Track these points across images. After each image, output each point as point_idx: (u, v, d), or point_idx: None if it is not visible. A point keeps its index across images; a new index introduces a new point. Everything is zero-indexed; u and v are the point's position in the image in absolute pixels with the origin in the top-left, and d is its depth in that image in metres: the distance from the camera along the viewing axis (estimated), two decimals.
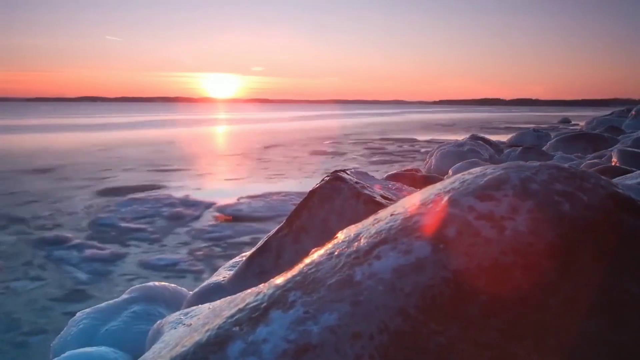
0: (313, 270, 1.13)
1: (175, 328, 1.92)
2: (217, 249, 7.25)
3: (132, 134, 30.00)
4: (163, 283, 4.72)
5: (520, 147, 16.47)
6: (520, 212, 1.09)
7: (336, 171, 2.91)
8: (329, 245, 1.30)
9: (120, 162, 16.37)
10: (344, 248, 1.17)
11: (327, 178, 2.64)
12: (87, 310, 4.42)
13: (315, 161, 17.29)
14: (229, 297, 2.12)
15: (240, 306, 1.12)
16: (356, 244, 1.16)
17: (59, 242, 7.48)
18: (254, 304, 1.09)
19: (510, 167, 1.23)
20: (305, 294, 1.04)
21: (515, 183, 1.15)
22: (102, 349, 3.76)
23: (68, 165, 16.30)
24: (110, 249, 7.14)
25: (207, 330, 1.11)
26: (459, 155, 15.50)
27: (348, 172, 2.91)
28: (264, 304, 1.06)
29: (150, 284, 4.69)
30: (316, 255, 1.24)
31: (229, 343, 1.00)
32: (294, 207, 2.83)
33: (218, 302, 2.05)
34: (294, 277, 1.13)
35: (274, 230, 2.77)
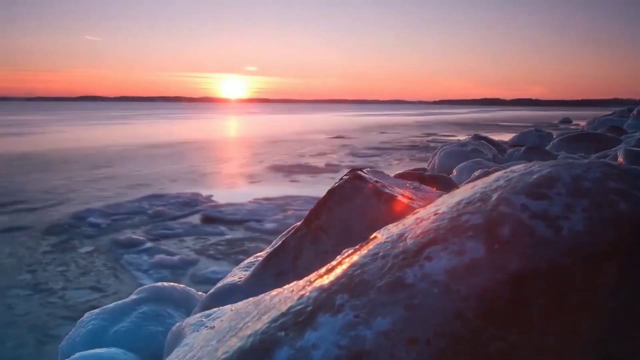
0: (359, 272, 1.08)
1: (198, 330, 1.87)
2: None
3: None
4: (172, 283, 4.66)
5: (524, 147, 16.44)
6: (575, 211, 1.04)
7: (353, 169, 2.86)
8: (369, 246, 1.25)
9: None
10: (389, 249, 1.13)
11: (345, 177, 2.58)
12: (96, 311, 4.37)
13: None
14: (251, 298, 2.08)
15: (283, 309, 1.07)
16: (402, 244, 1.11)
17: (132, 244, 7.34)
18: (298, 307, 1.04)
19: (559, 165, 1.18)
20: (354, 297, 0.99)
21: (567, 181, 1.10)
22: (112, 350, 3.71)
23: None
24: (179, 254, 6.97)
25: (249, 336, 1.06)
26: (462, 155, 15.44)
27: (365, 170, 2.86)
28: (310, 308, 1.01)
29: (159, 284, 4.63)
30: (357, 256, 1.19)
31: (275, 349, 0.95)
32: None
33: (240, 303, 2.00)
34: (338, 279, 1.08)
35: (291, 230, 2.72)
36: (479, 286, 0.94)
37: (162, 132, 33.48)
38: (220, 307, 1.98)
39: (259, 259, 3.07)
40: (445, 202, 1.26)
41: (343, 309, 0.97)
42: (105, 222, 8.26)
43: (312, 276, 1.50)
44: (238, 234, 7.62)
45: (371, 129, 37.86)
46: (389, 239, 1.19)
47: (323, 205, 2.56)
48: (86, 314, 4.39)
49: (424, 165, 14.37)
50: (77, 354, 3.63)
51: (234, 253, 6.79)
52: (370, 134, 31.70)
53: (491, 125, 44.82)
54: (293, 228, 3.38)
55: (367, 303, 0.97)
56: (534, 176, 1.15)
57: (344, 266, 1.15)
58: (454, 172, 12.20)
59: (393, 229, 1.29)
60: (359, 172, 2.62)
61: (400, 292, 0.96)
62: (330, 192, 2.53)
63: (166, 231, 7.65)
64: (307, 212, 2.65)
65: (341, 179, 2.64)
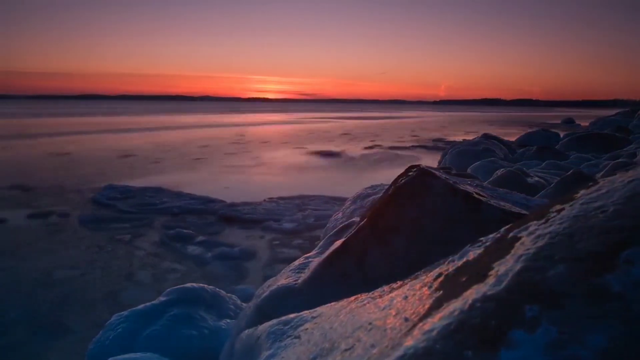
0: (538, 277, 0.92)
1: (281, 340, 1.71)
2: None
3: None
4: (201, 284, 4.49)
5: (535, 147, 16.30)
6: None
7: (412, 166, 2.70)
8: (518, 246, 1.09)
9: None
10: (557, 250, 0.97)
11: (412, 174, 2.43)
12: (124, 313, 4.19)
13: None
14: (334, 303, 1.91)
15: (441, 323, 0.91)
16: (580, 246, 0.95)
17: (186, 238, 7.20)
18: (473, 321, 0.88)
19: None
20: (548, 309, 0.84)
21: None
22: (147, 355, 3.55)
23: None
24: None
25: (403, 352, 0.90)
26: (473, 154, 15.32)
27: (424, 168, 2.70)
28: (494, 322, 0.85)
29: (188, 285, 4.46)
30: (513, 259, 1.03)
31: None
32: None
33: (322, 310, 1.84)
34: (513, 285, 0.93)
35: (352, 231, 2.56)
36: None
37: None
38: (299, 315, 1.81)
39: (310, 260, 2.91)
40: (600, 199, 1.10)
41: (539, 323, 0.82)
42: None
43: (434, 280, 1.34)
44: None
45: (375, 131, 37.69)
46: (546, 239, 1.04)
47: (388, 203, 2.40)
48: (114, 316, 4.20)
49: (431, 164, 14.21)
50: (111, 359, 3.46)
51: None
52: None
53: (493, 125, 44.70)
54: (343, 226, 3.22)
55: (569, 316, 0.81)
56: None
57: (511, 271, 0.99)
58: (468, 170, 12.05)
59: (537, 228, 1.13)
60: (426, 168, 2.46)
61: (609, 303, 0.81)
62: (397, 190, 2.37)
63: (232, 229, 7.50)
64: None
65: (406, 175, 2.48)
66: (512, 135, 24.64)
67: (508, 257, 1.08)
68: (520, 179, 7.34)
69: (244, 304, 4.40)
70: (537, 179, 7.85)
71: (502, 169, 8.19)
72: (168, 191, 10.39)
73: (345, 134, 31.45)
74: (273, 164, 16.21)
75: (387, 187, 7.54)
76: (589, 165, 12.23)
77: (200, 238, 7.19)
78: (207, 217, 8.42)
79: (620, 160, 11.30)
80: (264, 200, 9.56)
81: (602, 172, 9.78)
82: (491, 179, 7.74)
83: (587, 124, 39.12)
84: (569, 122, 50.16)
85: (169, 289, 4.30)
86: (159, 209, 8.87)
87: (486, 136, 17.87)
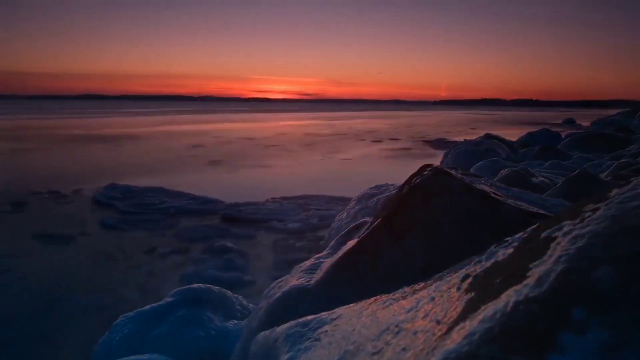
0: (579, 278, 0.89)
1: (300, 343, 1.68)
2: None
3: None
4: (207, 285, 4.45)
5: (538, 147, 16.26)
6: None
7: (425, 165, 2.67)
8: (554, 247, 1.06)
9: None
10: (602, 251, 0.94)
11: (426, 173, 2.40)
12: (130, 314, 4.15)
13: None
14: (352, 305, 1.88)
15: (483, 325, 0.88)
16: (622, 245, 0.92)
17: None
18: (519, 323, 0.85)
19: None
20: (596, 311, 0.81)
21: None
22: (155, 356, 3.51)
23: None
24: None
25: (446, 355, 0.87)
26: (476, 154, 15.29)
27: (439, 167, 2.67)
28: (540, 325, 0.82)
29: (195, 285, 4.42)
30: (552, 259, 1.00)
31: None
32: None
33: (341, 311, 1.81)
34: (558, 286, 0.90)
35: (365, 232, 2.53)
36: None
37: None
38: (317, 316, 1.78)
39: (321, 260, 2.88)
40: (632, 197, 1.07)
41: (588, 326, 0.79)
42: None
43: (462, 281, 1.31)
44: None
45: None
46: (585, 240, 1.01)
47: (403, 203, 2.36)
48: (120, 317, 4.16)
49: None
50: None
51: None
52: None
53: (493, 125, 44.67)
54: (353, 227, 3.19)
55: (619, 319, 0.78)
56: None
57: (538, 270, 0.96)
58: (471, 170, 12.01)
59: (575, 228, 1.10)
60: (441, 167, 2.43)
61: None
62: (412, 189, 2.34)
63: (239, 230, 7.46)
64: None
65: (420, 175, 2.45)
66: (512, 135, 24.60)
67: (545, 257, 1.05)
68: (525, 179, 7.31)
69: (251, 305, 4.37)
70: (541, 179, 7.82)
71: (506, 169, 8.15)
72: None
73: (345, 134, 31.41)
74: (273, 164, 16.17)
75: (391, 187, 7.47)
76: (592, 165, 12.20)
77: (205, 238, 7.16)
78: (211, 218, 8.40)
79: (623, 160, 11.26)
80: (267, 201, 9.53)
81: (607, 172, 9.75)
82: (495, 179, 7.71)
83: (588, 124, 39.12)
84: (570, 122, 50.11)
85: (175, 290, 4.26)
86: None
87: (488, 136, 17.83)
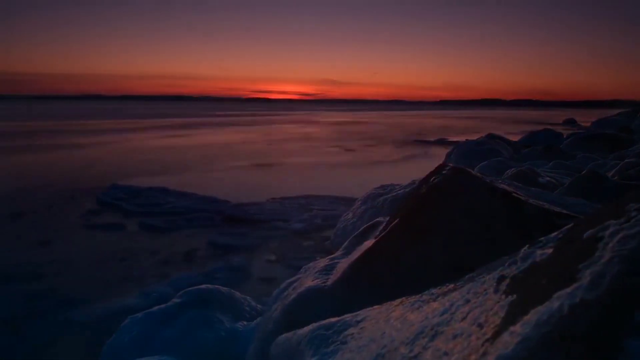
0: (638, 280, 0.85)
1: (326, 346, 1.64)
2: None
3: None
4: (216, 285, 4.40)
5: (541, 147, 16.21)
6: None
7: (442, 164, 2.63)
8: (602, 248, 1.02)
9: None
10: None
11: (445, 172, 2.36)
12: (138, 315, 4.10)
13: None
14: (376, 307, 1.85)
15: (545, 330, 0.85)
16: None
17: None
18: (579, 328, 0.81)
19: None
20: None
21: None
22: (164, 358, 3.47)
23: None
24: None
25: None
26: (479, 154, 15.23)
27: (457, 166, 2.63)
28: (602, 329, 0.78)
29: (203, 286, 4.37)
30: (603, 261, 0.97)
31: None
32: None
33: (365, 313, 1.77)
34: (616, 289, 0.86)
35: (382, 232, 2.49)
36: None
37: None
38: (340, 318, 1.74)
39: (336, 261, 2.84)
40: None
41: None
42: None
43: (498, 283, 1.27)
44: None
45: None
46: (638, 240, 0.97)
47: (422, 203, 2.32)
48: (128, 318, 4.11)
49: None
50: None
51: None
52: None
53: (493, 125, 44.63)
54: (367, 227, 3.15)
55: None
56: None
57: (590, 271, 0.92)
58: (475, 170, 11.97)
59: (622, 228, 1.07)
60: (459, 166, 2.39)
61: None
62: (431, 189, 2.30)
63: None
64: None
65: (439, 174, 2.41)
66: (513, 135, 24.56)
67: (595, 258, 1.01)
68: (532, 179, 7.27)
69: (259, 306, 4.32)
70: (548, 178, 7.78)
71: (512, 169, 8.12)
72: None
73: (345, 134, 31.37)
74: (272, 164, 16.13)
75: (397, 187, 7.39)
76: (596, 165, 12.15)
77: (209, 238, 7.12)
78: (216, 218, 8.35)
79: (628, 160, 11.21)
80: (268, 200, 9.50)
81: (612, 172, 9.70)
82: (501, 179, 7.67)
83: (588, 124, 39.06)
84: (571, 122, 50.04)
85: (183, 290, 4.22)
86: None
87: (491, 136, 17.79)
